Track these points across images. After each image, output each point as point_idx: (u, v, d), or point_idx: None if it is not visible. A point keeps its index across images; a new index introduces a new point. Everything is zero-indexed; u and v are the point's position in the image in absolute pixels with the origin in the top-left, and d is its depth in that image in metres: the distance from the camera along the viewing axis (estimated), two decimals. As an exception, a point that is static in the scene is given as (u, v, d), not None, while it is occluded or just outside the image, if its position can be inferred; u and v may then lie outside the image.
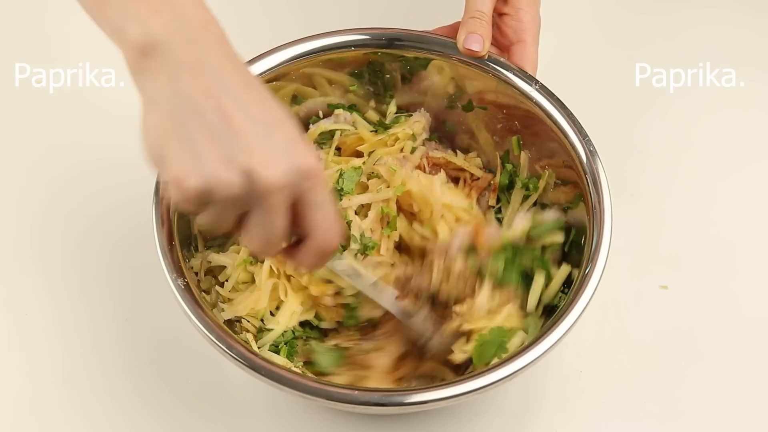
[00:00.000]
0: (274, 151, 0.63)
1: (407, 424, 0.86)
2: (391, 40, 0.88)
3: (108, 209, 0.96)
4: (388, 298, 0.84)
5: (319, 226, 0.67)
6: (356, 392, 0.73)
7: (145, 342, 0.89)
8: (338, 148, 0.92)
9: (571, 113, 0.85)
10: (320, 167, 0.65)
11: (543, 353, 0.75)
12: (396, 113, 0.93)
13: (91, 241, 0.94)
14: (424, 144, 0.93)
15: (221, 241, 0.88)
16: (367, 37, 0.88)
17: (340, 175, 0.87)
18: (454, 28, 0.89)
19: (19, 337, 0.90)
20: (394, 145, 0.91)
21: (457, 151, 0.93)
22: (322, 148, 0.92)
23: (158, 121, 0.63)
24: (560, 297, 0.83)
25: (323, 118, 0.92)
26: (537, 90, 0.86)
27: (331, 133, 0.92)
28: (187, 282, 0.76)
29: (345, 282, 0.84)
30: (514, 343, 0.80)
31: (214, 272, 0.87)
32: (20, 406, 0.86)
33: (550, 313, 0.82)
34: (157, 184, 0.80)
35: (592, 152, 0.84)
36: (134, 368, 0.88)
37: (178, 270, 0.77)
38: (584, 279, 0.78)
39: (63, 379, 0.88)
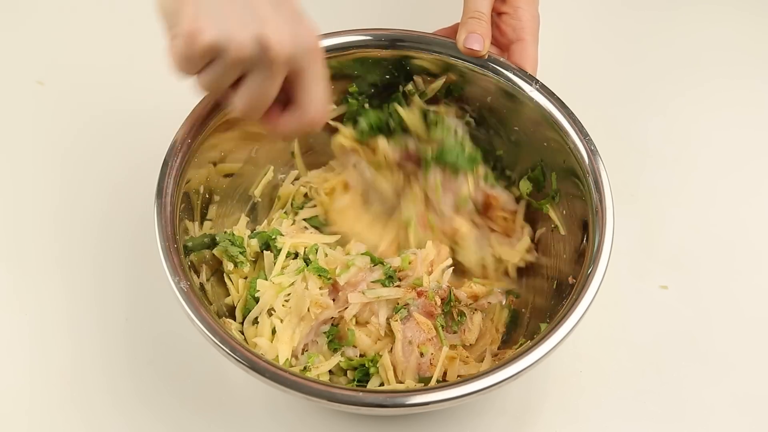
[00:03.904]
0: (284, 24, 0.69)
1: (408, 425, 0.86)
2: (392, 41, 0.88)
3: (108, 209, 0.96)
4: None
5: (312, 99, 0.74)
6: (359, 394, 0.73)
7: (145, 342, 0.89)
8: None
9: (572, 113, 0.85)
10: (320, 45, 0.72)
11: (545, 354, 0.74)
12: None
13: (90, 242, 0.94)
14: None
15: None
16: (369, 38, 0.88)
17: None
18: (454, 30, 0.89)
19: (20, 337, 0.89)
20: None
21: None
22: None
23: None
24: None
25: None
26: (537, 89, 0.86)
27: None
28: (189, 285, 0.76)
29: None
30: None
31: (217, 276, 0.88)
32: (20, 406, 0.86)
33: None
34: (159, 185, 0.79)
35: (593, 151, 0.83)
36: (134, 368, 0.88)
37: (180, 273, 0.76)
38: (586, 280, 0.77)
39: (63, 379, 0.87)
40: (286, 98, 0.75)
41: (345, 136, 0.92)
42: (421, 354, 0.84)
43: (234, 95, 0.73)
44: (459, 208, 0.90)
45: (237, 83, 0.72)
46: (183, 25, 0.67)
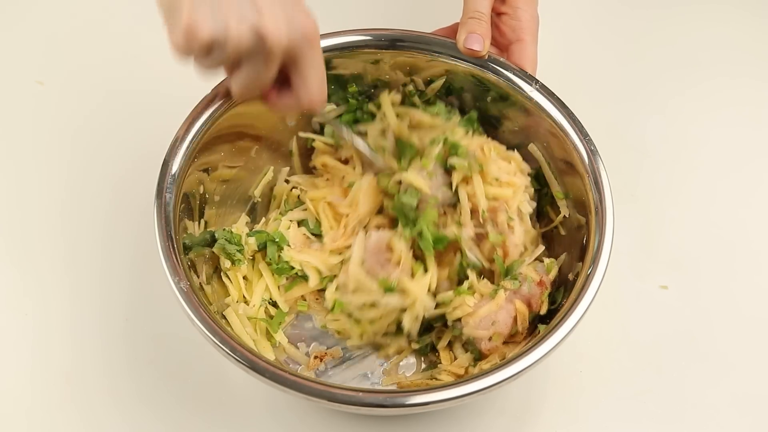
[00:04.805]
0: (281, 12, 0.70)
1: (408, 425, 0.86)
2: (392, 41, 0.88)
3: (108, 209, 0.96)
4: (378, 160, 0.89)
5: (310, 84, 0.75)
6: (359, 394, 0.73)
7: (145, 342, 0.89)
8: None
9: (572, 112, 0.85)
10: (318, 31, 0.73)
11: (545, 354, 0.75)
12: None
13: (91, 242, 0.94)
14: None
15: None
16: (369, 38, 0.88)
17: None
18: (454, 29, 0.90)
19: (20, 337, 0.89)
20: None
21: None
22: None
23: None
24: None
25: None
26: (537, 89, 0.86)
27: None
28: (189, 285, 0.76)
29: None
30: None
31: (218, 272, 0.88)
32: (21, 406, 0.86)
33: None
34: (159, 186, 0.79)
35: (593, 151, 0.83)
36: (134, 368, 0.88)
37: (179, 273, 0.76)
38: (586, 280, 0.78)
39: (63, 379, 0.87)
40: (284, 78, 0.76)
41: (323, 150, 0.93)
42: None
43: (231, 79, 0.75)
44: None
45: (234, 66, 0.73)
46: (181, 20, 0.68)
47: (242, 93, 0.76)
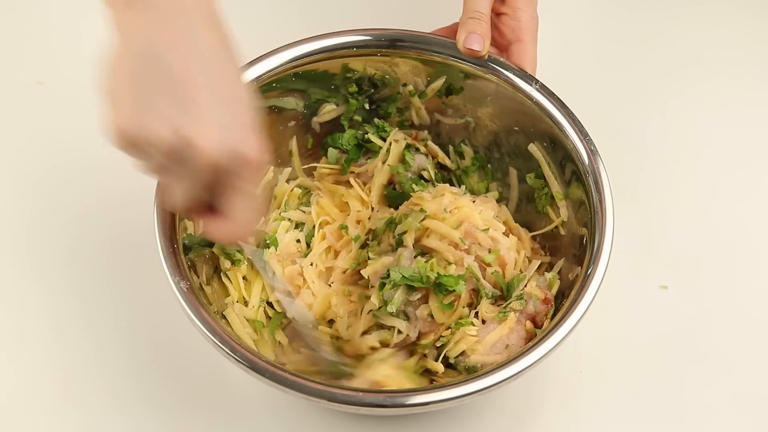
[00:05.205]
0: (220, 127, 0.63)
1: (408, 425, 0.86)
2: (392, 41, 0.88)
3: (108, 209, 0.96)
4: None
5: (236, 211, 0.68)
6: (359, 394, 0.73)
7: (144, 342, 0.89)
8: None
9: (572, 112, 0.85)
10: (260, 158, 0.66)
11: (545, 354, 0.75)
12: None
13: (90, 241, 0.94)
14: None
15: None
16: (369, 38, 0.88)
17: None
18: (453, 29, 0.89)
19: (20, 337, 0.89)
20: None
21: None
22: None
23: (123, 63, 0.65)
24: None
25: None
26: (537, 89, 0.86)
27: None
28: (189, 285, 0.76)
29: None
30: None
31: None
32: (20, 406, 0.86)
33: None
34: (159, 185, 0.79)
35: (593, 151, 0.83)
36: (134, 368, 0.88)
37: (179, 273, 0.76)
38: (586, 280, 0.78)
39: (63, 379, 0.87)
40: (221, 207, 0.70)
41: (325, 173, 0.94)
42: None
43: (158, 187, 0.74)
44: None
45: (163, 172, 0.68)
46: (113, 116, 0.64)
47: (168, 203, 0.70)
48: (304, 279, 0.88)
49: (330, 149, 0.94)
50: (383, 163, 0.92)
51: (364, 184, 0.93)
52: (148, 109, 0.63)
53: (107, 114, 0.65)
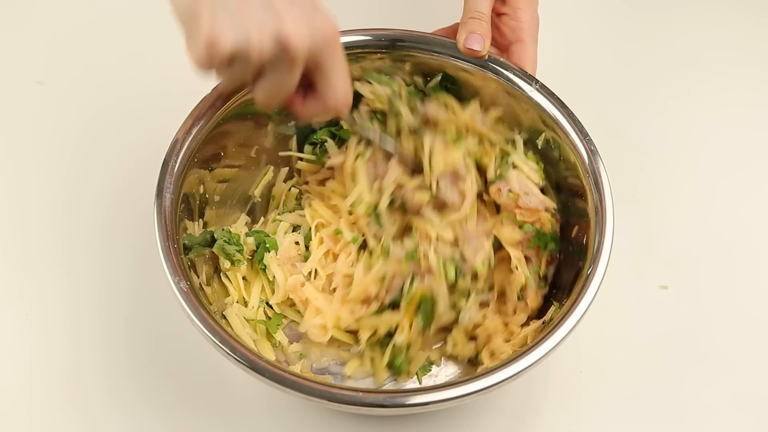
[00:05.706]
0: (301, 18, 0.68)
1: (408, 425, 0.86)
2: (392, 41, 0.88)
3: (108, 209, 0.96)
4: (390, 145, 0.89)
5: (334, 88, 0.74)
6: (359, 394, 0.73)
7: (145, 342, 0.89)
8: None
9: (572, 112, 0.85)
10: (338, 33, 0.71)
11: (545, 354, 0.75)
12: None
13: (90, 242, 0.94)
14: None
15: None
16: (369, 38, 0.88)
17: None
18: (454, 30, 0.89)
19: (20, 338, 0.89)
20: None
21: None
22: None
23: None
24: None
25: None
26: (537, 89, 0.86)
27: None
28: (189, 285, 0.76)
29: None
30: None
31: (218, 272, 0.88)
32: (21, 406, 0.86)
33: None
34: (159, 186, 0.79)
35: (593, 151, 0.83)
36: (134, 368, 0.88)
37: (179, 273, 0.76)
38: (586, 280, 0.78)
39: (63, 379, 0.87)
40: (308, 83, 0.74)
41: (307, 170, 0.95)
42: None
43: (254, 87, 0.73)
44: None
45: (258, 74, 0.72)
46: (201, 32, 0.66)
47: (267, 101, 0.73)
48: (307, 298, 0.88)
49: (306, 146, 0.94)
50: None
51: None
52: (236, 19, 0.66)
53: (192, 38, 0.67)
